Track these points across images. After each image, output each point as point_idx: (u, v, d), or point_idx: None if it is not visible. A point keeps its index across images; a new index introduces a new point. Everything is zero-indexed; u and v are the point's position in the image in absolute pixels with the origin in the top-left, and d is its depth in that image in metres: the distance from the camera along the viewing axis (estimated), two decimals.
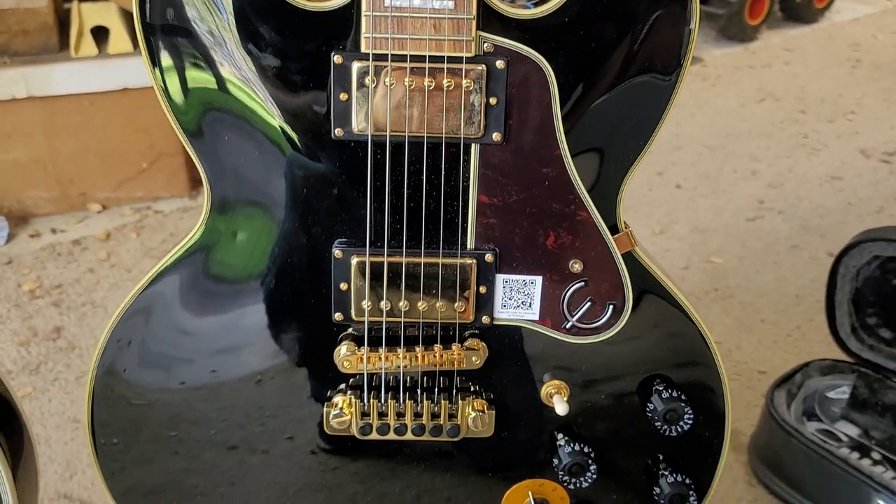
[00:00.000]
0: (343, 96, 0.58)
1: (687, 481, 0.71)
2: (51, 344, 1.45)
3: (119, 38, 1.71)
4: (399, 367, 0.64)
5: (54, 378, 1.38)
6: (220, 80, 0.59)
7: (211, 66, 0.59)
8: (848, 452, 1.16)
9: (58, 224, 1.78)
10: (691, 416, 0.67)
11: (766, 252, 1.77)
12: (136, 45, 1.72)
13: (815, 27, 3.04)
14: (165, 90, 0.60)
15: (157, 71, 0.59)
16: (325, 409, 0.66)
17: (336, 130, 0.59)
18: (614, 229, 0.64)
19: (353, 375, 0.66)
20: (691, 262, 1.71)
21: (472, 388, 0.67)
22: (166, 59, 0.59)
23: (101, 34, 1.71)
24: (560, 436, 0.70)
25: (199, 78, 0.59)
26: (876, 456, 1.21)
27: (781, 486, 1.19)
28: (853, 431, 1.25)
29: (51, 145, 1.73)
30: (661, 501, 0.71)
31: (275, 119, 0.60)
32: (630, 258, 0.64)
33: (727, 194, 1.97)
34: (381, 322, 0.64)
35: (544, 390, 0.67)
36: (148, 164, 1.82)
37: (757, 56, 2.76)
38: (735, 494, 1.22)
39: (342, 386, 0.67)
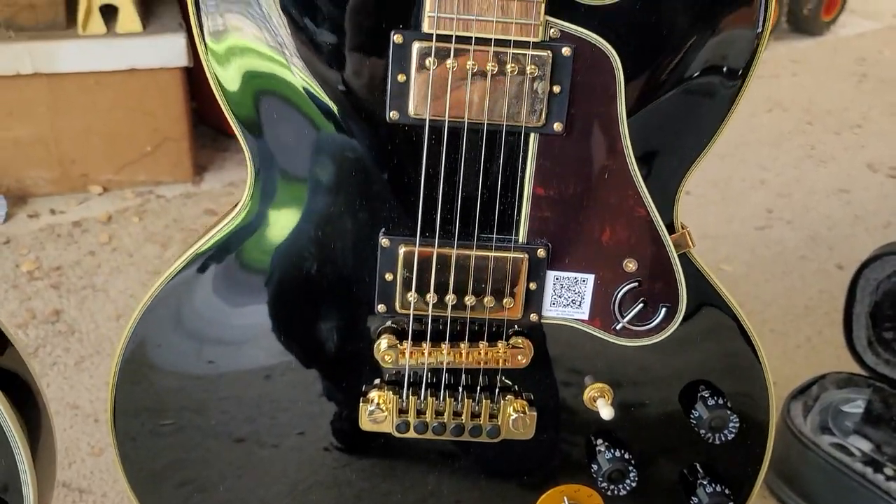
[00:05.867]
0: (401, 77, 0.56)
1: (726, 492, 0.69)
2: (49, 327, 1.41)
3: (128, 18, 1.67)
4: (442, 363, 0.62)
5: (53, 362, 1.34)
6: (272, 55, 0.56)
7: (262, 39, 0.56)
8: (863, 467, 1.15)
9: (57, 205, 1.73)
10: (737, 424, 0.65)
11: (775, 261, 1.76)
12: (145, 25, 1.68)
13: (820, 40, 3.05)
14: (213, 66, 0.57)
15: (204, 43, 0.56)
16: (360, 405, 0.64)
17: (391, 113, 0.57)
18: (671, 228, 0.62)
19: (391, 370, 0.64)
20: None
21: (513, 388, 0.65)
22: (215, 30, 0.56)
23: (109, 13, 1.67)
24: (600, 441, 0.67)
25: (249, 53, 0.56)
26: (889, 471, 1.20)
27: (795, 500, 1.18)
28: (866, 446, 1.24)
29: (54, 124, 1.69)
30: None
31: (327, 98, 0.57)
32: (685, 260, 0.62)
33: (736, 202, 1.96)
34: (426, 315, 0.61)
35: (587, 393, 0.65)
36: (152, 147, 1.79)
37: (765, 66, 2.76)
38: None
39: (377, 381, 0.65)
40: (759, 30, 0.57)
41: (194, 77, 1.75)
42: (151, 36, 1.68)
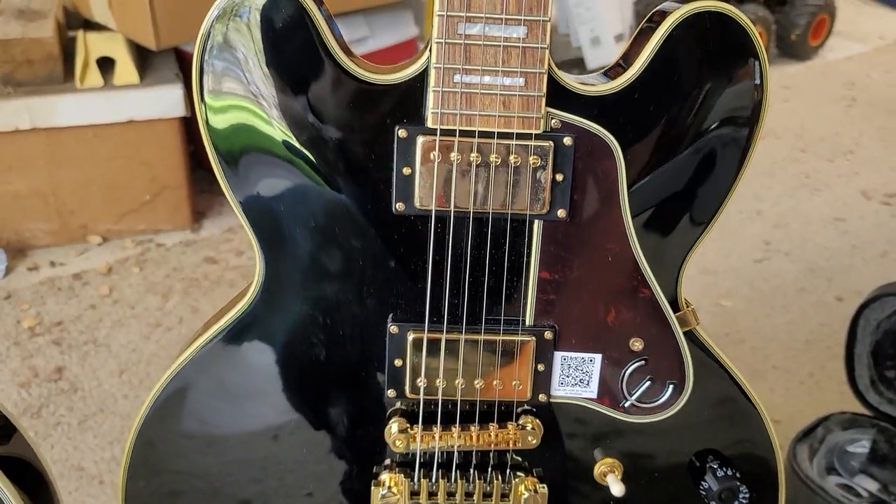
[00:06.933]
0: (406, 170, 0.57)
1: None
2: (52, 385, 1.41)
3: (125, 70, 1.68)
4: (453, 446, 0.62)
5: (56, 422, 1.33)
6: (278, 147, 0.57)
7: (268, 129, 0.57)
8: None
9: (57, 257, 1.73)
10: (747, 495, 0.65)
11: (774, 295, 1.77)
12: (142, 76, 1.69)
13: (809, 65, 3.08)
14: (215, 148, 0.57)
15: (207, 127, 0.57)
16: (372, 489, 0.64)
17: (397, 205, 0.57)
18: (675, 305, 0.62)
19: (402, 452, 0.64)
20: (701, 305, 1.70)
21: (524, 465, 0.65)
22: (220, 118, 0.57)
23: (106, 65, 1.69)
24: None
25: (253, 139, 0.57)
26: None
27: None
28: (872, 486, 1.24)
29: (53, 177, 1.69)
30: None
31: (334, 190, 0.58)
32: (691, 337, 0.63)
33: (734, 235, 1.97)
34: (436, 400, 0.62)
35: (598, 468, 0.66)
36: (151, 196, 1.79)
37: None
38: None
39: (388, 461, 0.65)
40: (758, 81, 0.58)
41: (192, 120, 1.76)
42: (149, 87, 1.69)
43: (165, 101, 1.69)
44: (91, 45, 1.70)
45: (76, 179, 1.71)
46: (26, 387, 1.40)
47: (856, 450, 1.29)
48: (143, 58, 1.76)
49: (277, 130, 0.57)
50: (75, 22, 1.86)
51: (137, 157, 1.73)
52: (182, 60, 1.81)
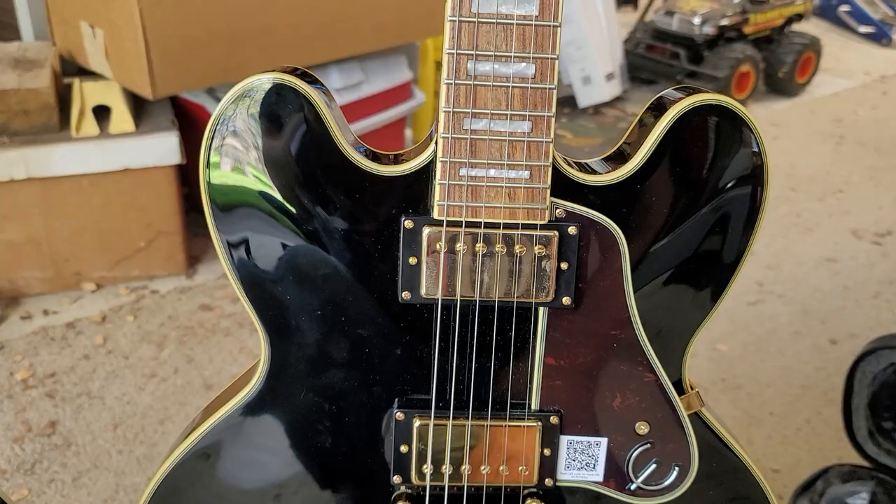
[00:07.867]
0: (412, 260, 0.57)
1: None
2: (45, 440, 1.39)
3: (121, 118, 1.69)
4: None
5: (50, 479, 1.32)
6: (286, 237, 0.57)
7: (272, 215, 0.57)
8: None
9: (50, 305, 1.72)
10: None
11: (770, 338, 1.77)
12: (137, 124, 1.70)
13: (797, 101, 3.12)
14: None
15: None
16: None
17: (403, 294, 0.58)
18: (679, 386, 0.63)
19: None
20: (697, 349, 1.71)
21: None
22: (222, 198, 0.57)
23: (102, 113, 1.69)
24: None
25: (255, 212, 0.57)
26: None
27: None
28: None
29: (47, 225, 1.69)
30: None
31: (340, 278, 0.58)
32: (696, 419, 0.63)
33: None
34: (442, 485, 0.61)
35: None
36: (145, 243, 1.79)
37: None
38: None
39: None
40: (759, 162, 0.59)
41: (188, 166, 1.76)
42: (144, 135, 1.69)
43: (161, 148, 1.69)
44: (87, 94, 1.70)
45: (71, 227, 1.71)
46: (20, 442, 1.38)
47: (855, 502, 1.28)
48: (139, 105, 1.77)
49: (282, 216, 0.57)
50: (70, 69, 1.87)
51: (132, 205, 1.73)
52: (177, 107, 1.81)
